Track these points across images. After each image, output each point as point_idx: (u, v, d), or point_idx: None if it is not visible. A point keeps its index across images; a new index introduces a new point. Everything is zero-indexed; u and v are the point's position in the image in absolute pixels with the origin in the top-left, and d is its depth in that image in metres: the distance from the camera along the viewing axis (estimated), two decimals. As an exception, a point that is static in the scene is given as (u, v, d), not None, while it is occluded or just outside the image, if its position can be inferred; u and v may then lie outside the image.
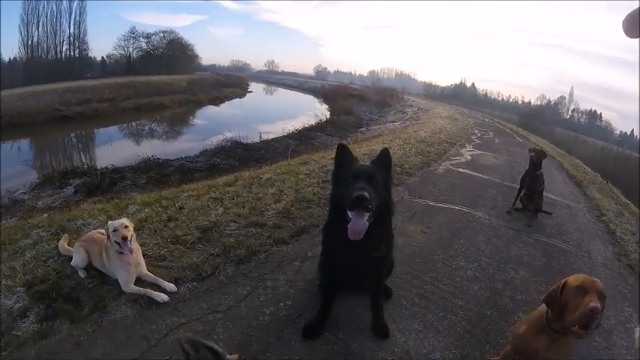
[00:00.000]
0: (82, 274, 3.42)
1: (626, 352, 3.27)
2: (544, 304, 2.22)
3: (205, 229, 4.10)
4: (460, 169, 8.63)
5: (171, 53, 42.32)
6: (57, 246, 3.89)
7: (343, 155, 2.49)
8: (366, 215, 2.22)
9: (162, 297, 3.08)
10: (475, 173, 8.47)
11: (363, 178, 2.26)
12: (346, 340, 2.77)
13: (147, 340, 2.74)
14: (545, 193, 6.25)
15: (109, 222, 3.22)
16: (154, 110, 23.70)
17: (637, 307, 4.04)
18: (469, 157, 10.27)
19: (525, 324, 2.32)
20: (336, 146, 2.58)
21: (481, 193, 6.94)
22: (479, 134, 16.52)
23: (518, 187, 6.12)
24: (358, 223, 2.20)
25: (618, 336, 3.44)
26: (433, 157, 9.24)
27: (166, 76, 32.69)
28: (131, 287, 3.15)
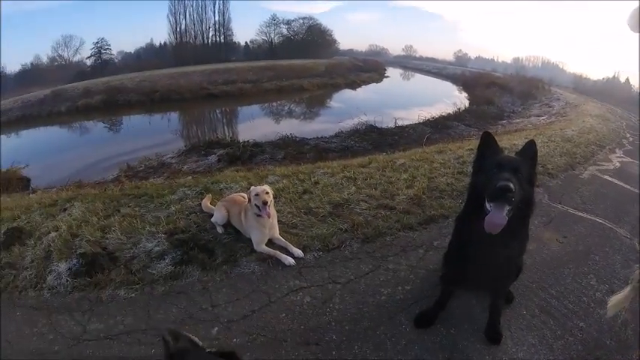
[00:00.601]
0: (219, 230, 3.87)
1: None
2: None
3: (337, 204, 4.31)
4: (607, 177, 7.68)
5: (311, 38, 43.19)
6: (200, 203, 4.43)
7: (488, 144, 2.37)
8: (507, 209, 2.10)
9: (289, 260, 3.33)
10: (623, 184, 7.46)
11: (508, 169, 2.13)
12: (456, 337, 2.73)
13: (268, 296, 3.01)
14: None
15: (252, 187, 3.57)
16: (294, 92, 24.62)
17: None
18: (618, 165, 9.02)
19: None
20: (481, 134, 2.46)
21: (627, 208, 6.06)
22: (631, 139, 14.32)
23: None
24: (497, 216, 2.09)
25: None
26: (579, 160, 8.37)
27: (306, 60, 33.59)
28: (262, 247, 3.46)
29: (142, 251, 3.77)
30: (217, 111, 21.62)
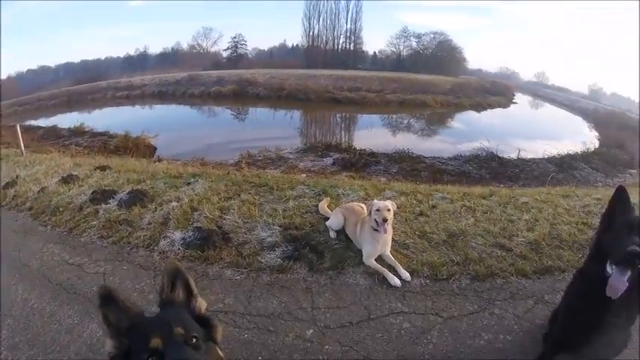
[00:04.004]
0: (332, 234, 3.96)
1: None
2: None
3: (452, 234, 4.13)
4: None
5: (440, 54, 42.86)
6: (317, 204, 4.57)
7: (621, 200, 2.18)
8: (629, 274, 1.95)
9: (396, 281, 3.28)
10: None
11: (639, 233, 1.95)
12: None
13: (368, 312, 3.00)
14: None
15: (375, 200, 3.59)
16: (416, 107, 24.39)
17: None
18: None
19: None
20: (615, 188, 2.27)
21: None
22: None
23: None
24: (621, 280, 1.95)
25: None
26: None
27: (432, 76, 33.15)
28: (372, 262, 3.45)
29: (256, 238, 3.99)
30: (338, 115, 22.14)
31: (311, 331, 2.83)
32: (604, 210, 2.26)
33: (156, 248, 4.00)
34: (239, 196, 5.01)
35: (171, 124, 16.86)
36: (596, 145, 19.86)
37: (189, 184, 5.49)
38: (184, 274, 1.35)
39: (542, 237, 4.32)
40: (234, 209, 4.59)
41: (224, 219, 4.40)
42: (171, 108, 24.56)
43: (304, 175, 7.18)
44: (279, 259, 3.64)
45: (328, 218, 4.16)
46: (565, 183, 8.84)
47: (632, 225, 1.99)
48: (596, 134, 25.47)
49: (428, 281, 3.35)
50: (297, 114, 21.28)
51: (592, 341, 2.30)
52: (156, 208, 4.76)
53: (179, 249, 3.90)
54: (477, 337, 2.85)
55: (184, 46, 44.52)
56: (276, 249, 3.80)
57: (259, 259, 3.67)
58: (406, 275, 3.34)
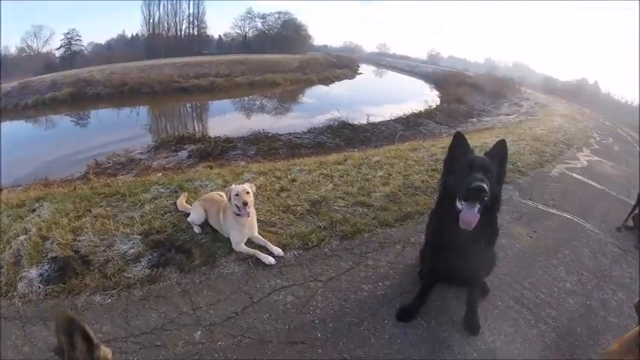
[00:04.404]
0: (197, 229, 3.80)
1: None
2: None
3: (315, 202, 4.30)
4: (575, 175, 8.02)
5: (285, 33, 43.09)
6: (175, 202, 4.34)
7: (459, 144, 2.45)
8: (478, 207, 2.21)
9: (270, 259, 3.30)
10: (590, 181, 7.82)
11: (479, 170, 2.23)
12: (436, 329, 2.81)
13: (250, 296, 2.99)
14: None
15: (232, 186, 3.51)
16: (266, 87, 24.42)
17: None
18: (585, 163, 9.46)
19: (617, 342, 2.21)
20: (453, 134, 2.54)
21: (594, 203, 6.41)
22: (598, 139, 15.00)
23: (634, 203, 5.50)
24: (471, 213, 2.20)
25: None
26: (548, 158, 8.69)
27: (280, 55, 33.44)
28: (242, 247, 3.42)
29: (117, 254, 3.65)
30: (188, 105, 21.27)
31: (199, 332, 2.74)
32: (445, 155, 2.54)
33: (15, 294, 3.42)
34: (90, 211, 4.52)
35: (6, 146, 14.37)
36: (438, 102, 22.33)
37: (34, 210, 4.77)
38: (79, 323, 1.21)
39: (398, 188, 4.80)
40: (87, 228, 4.12)
41: (79, 241, 3.94)
42: (4, 126, 20.79)
43: (159, 175, 6.74)
44: (146, 270, 3.39)
45: (189, 214, 3.98)
46: (413, 139, 9.79)
47: (472, 164, 2.26)
48: (437, 93, 28.70)
49: (301, 251, 3.46)
50: (143, 110, 19.83)
51: (462, 268, 2.59)
52: (4, 247, 4.05)
53: (39, 287, 3.39)
54: (359, 291, 3.06)
55: (12, 50, 37.44)
56: (141, 259, 3.52)
57: (126, 274, 3.37)
58: (278, 251, 3.40)
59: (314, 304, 2.89)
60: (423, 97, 24.36)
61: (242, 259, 3.38)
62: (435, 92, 28.90)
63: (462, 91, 26.49)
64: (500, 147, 2.44)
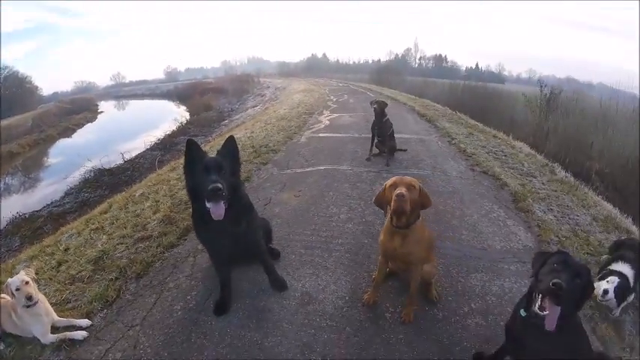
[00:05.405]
0: None
1: (492, 235, 4.20)
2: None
3: (96, 259, 4.04)
4: (321, 135, 9.31)
5: (8, 92, 37.99)
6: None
7: (193, 150, 2.68)
8: (222, 201, 2.54)
9: (81, 334, 3.14)
10: (334, 134, 9.22)
11: (213, 171, 2.54)
12: (253, 303, 3.17)
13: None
14: (399, 135, 7.26)
15: (9, 280, 3.17)
16: (3, 162, 20.49)
17: (494, 201, 5.13)
18: (327, 122, 11.08)
19: (383, 232, 2.81)
20: (185, 142, 2.76)
21: (342, 150, 7.66)
22: (334, 99, 17.60)
23: (371, 136, 6.97)
24: (217, 207, 2.53)
25: (483, 225, 4.43)
26: (294, 130, 9.80)
27: (10, 120, 29.63)
28: (50, 337, 3.16)
29: None
30: None
31: None
32: (183, 161, 2.74)
33: None
34: None
35: None
36: (188, 116, 22.72)
37: None
38: None
39: (169, 209, 4.95)
40: None
41: None
42: None
43: None
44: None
45: None
46: (173, 159, 9.61)
47: (206, 166, 2.56)
48: (184, 107, 28.88)
49: (106, 311, 3.29)
50: None
51: (239, 248, 3.01)
52: None
53: None
54: (174, 312, 3.15)
55: None
56: None
57: None
58: (85, 322, 3.25)
59: (141, 346, 2.89)
60: (172, 115, 24.68)
61: (57, 348, 3.13)
62: (183, 107, 29.54)
63: (206, 98, 27.93)
64: (229, 143, 2.79)
